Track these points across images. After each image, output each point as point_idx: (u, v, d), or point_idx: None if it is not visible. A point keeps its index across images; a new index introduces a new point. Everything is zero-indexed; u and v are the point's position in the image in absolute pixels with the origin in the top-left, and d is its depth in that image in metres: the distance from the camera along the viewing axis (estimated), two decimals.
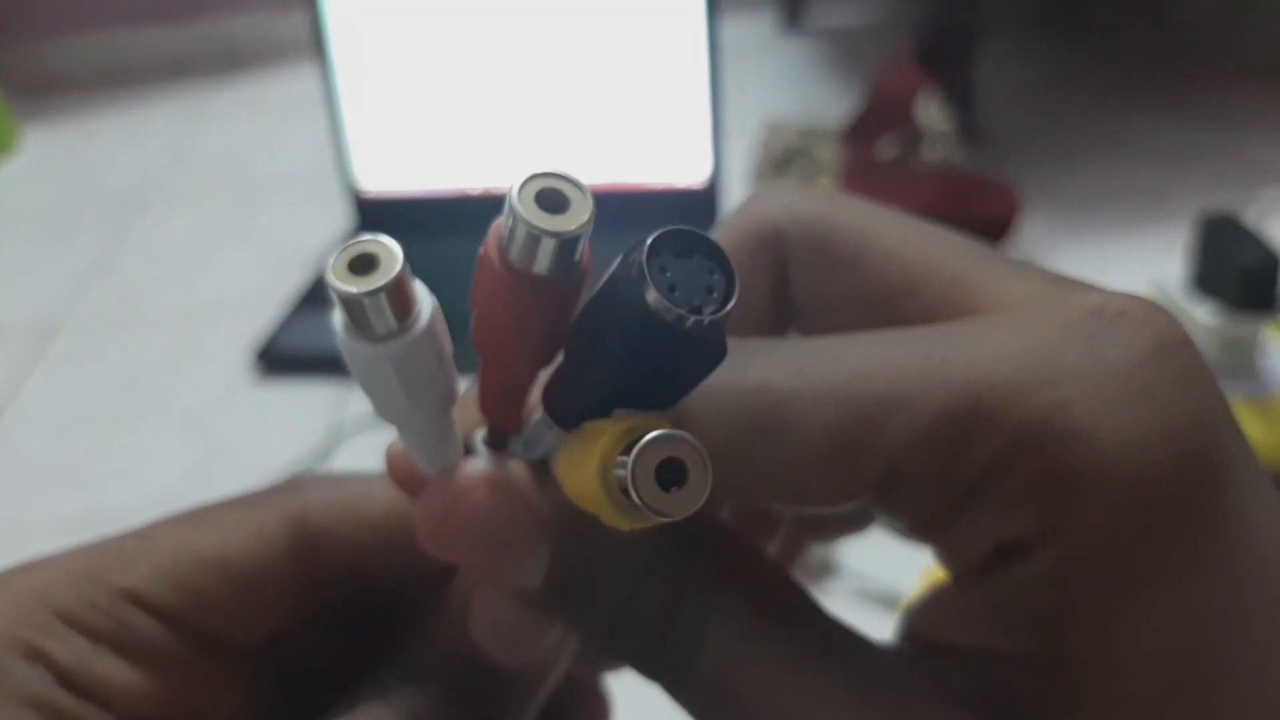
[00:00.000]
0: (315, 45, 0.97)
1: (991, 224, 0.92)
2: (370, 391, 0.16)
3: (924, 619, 0.16)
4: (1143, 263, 0.85)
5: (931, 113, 0.99)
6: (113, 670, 0.17)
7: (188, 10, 1.60)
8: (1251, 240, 0.64)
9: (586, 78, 0.96)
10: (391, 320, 0.15)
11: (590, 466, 0.13)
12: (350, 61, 0.97)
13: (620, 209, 0.99)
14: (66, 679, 0.16)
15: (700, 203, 0.98)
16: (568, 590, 0.17)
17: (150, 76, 1.58)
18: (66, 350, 0.94)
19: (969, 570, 0.14)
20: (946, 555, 0.15)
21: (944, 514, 0.14)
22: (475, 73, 0.96)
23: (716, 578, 0.16)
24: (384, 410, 0.16)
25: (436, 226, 1.02)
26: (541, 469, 0.17)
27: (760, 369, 0.15)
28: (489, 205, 1.01)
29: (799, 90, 1.35)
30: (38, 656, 0.16)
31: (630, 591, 0.16)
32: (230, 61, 1.60)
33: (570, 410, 0.16)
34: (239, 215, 1.15)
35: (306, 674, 0.20)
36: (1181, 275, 0.68)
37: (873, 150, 1.01)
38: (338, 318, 0.15)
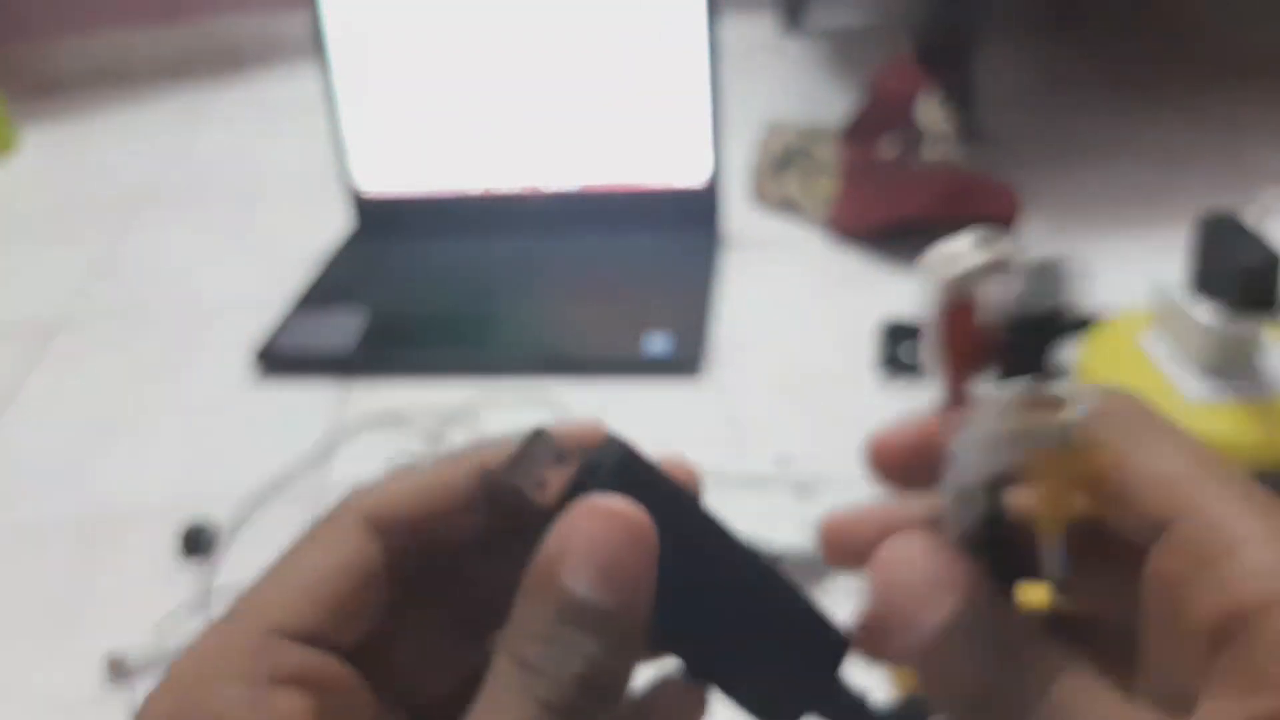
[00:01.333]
0: (315, 46, 0.97)
1: (991, 224, 0.92)
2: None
3: None
4: (1143, 263, 0.85)
5: (931, 113, 0.98)
6: (285, 702, 0.19)
7: (188, 10, 1.60)
8: (1251, 240, 0.64)
9: (587, 78, 0.96)
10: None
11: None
12: (350, 62, 0.97)
13: (620, 209, 0.99)
14: None
15: (700, 203, 0.98)
16: (946, 656, 0.20)
17: (150, 76, 1.58)
18: (66, 350, 0.94)
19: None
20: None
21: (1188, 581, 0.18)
22: (475, 74, 0.96)
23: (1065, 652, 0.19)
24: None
25: (436, 227, 1.02)
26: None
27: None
28: (488, 205, 1.01)
29: (799, 90, 1.35)
30: None
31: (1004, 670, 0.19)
32: (230, 62, 1.60)
33: None
34: (239, 215, 1.15)
35: (410, 667, 0.23)
36: (1181, 275, 0.68)
37: (873, 150, 1.01)
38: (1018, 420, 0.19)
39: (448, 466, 0.23)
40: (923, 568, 0.21)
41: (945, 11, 1.09)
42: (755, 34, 1.54)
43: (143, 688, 0.60)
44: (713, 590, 0.22)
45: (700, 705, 0.23)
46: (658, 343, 0.84)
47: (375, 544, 0.21)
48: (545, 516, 0.21)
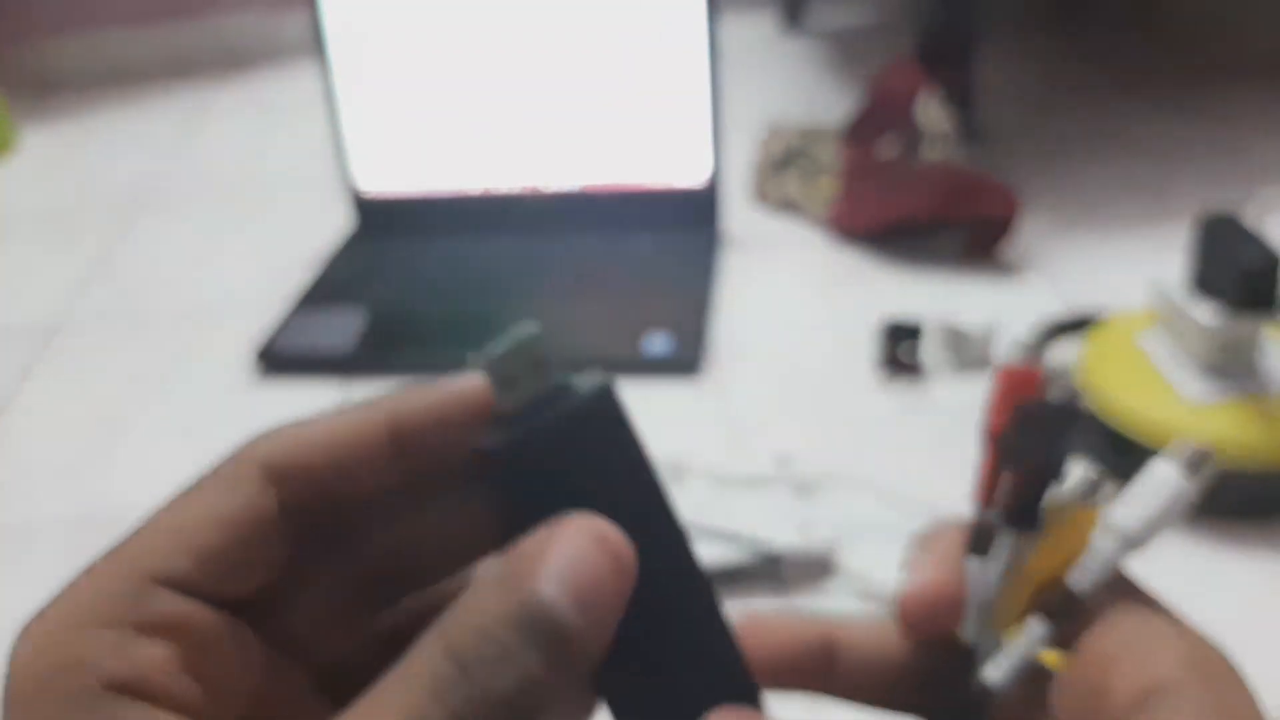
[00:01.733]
0: (315, 46, 0.97)
1: (991, 224, 0.92)
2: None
3: None
4: (1142, 263, 0.85)
5: (931, 113, 0.99)
6: (149, 651, 0.18)
7: (188, 10, 1.60)
8: (1251, 240, 0.64)
9: (586, 78, 0.96)
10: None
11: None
12: (350, 62, 0.97)
13: (620, 209, 0.99)
14: (113, 683, 0.18)
15: (700, 203, 0.98)
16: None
17: (150, 76, 1.58)
18: (66, 350, 0.94)
19: None
20: None
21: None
22: (475, 73, 0.96)
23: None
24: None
25: (436, 227, 1.02)
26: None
27: None
28: (488, 205, 1.01)
29: (799, 90, 1.35)
30: (80, 667, 0.18)
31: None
32: (230, 61, 1.60)
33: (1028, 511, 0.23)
34: (239, 215, 1.15)
35: (313, 636, 0.22)
36: (1181, 275, 0.68)
37: (873, 150, 1.01)
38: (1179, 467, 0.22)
39: (357, 415, 0.21)
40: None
41: (945, 11, 1.09)
42: (755, 34, 1.54)
43: None
44: (652, 604, 0.20)
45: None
46: (657, 343, 0.84)
47: (270, 493, 0.20)
48: (469, 470, 0.20)
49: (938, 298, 0.87)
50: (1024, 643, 0.22)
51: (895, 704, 0.24)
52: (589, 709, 0.22)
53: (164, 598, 0.19)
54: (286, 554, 0.21)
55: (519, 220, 1.00)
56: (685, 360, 0.82)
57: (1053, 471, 0.22)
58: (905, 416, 0.75)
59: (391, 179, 1.01)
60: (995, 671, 0.22)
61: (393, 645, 0.20)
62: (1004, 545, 0.23)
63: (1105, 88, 1.26)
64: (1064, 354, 0.77)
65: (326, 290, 0.95)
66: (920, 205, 0.92)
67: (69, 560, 0.69)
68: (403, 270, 0.97)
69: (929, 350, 0.80)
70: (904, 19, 1.46)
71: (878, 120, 1.02)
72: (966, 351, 0.79)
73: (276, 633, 0.21)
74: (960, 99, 1.04)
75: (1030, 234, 0.95)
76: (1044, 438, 0.22)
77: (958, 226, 0.93)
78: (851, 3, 1.62)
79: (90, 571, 0.19)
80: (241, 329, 0.91)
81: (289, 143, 1.30)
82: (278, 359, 0.87)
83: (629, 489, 0.21)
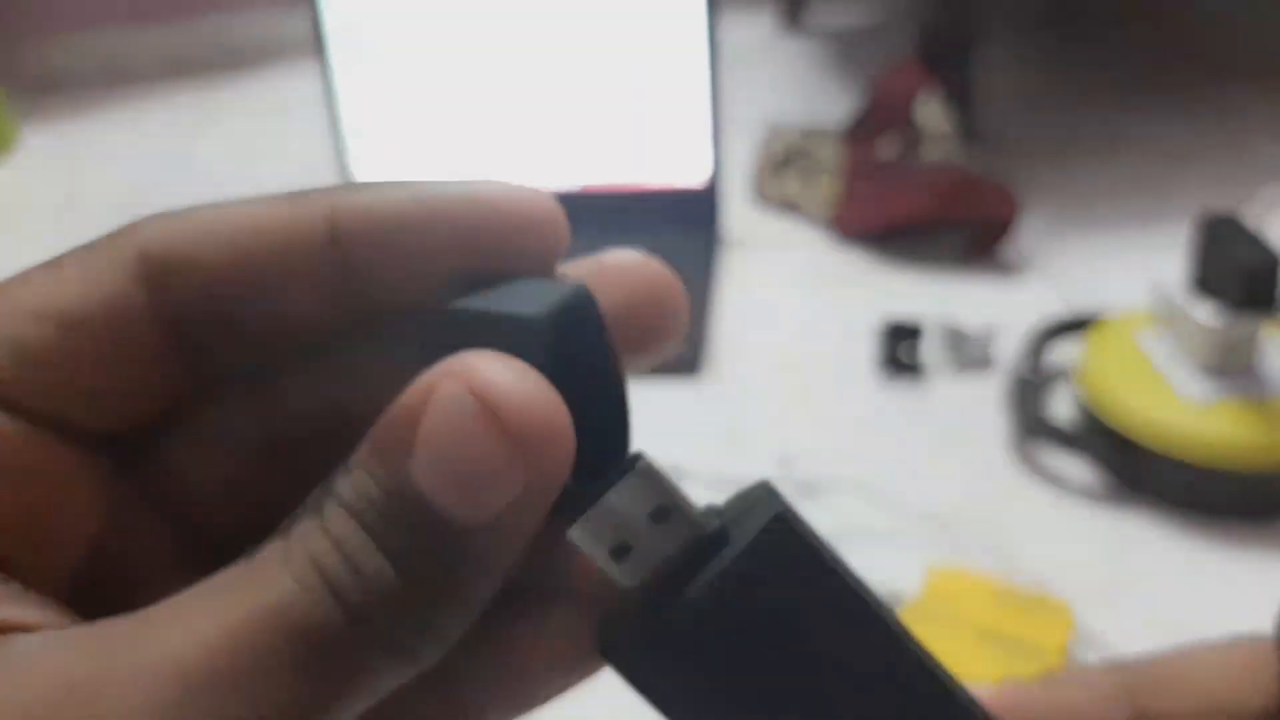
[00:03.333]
0: (315, 45, 0.97)
1: (991, 224, 0.92)
2: None
3: None
4: (1142, 262, 0.85)
5: (931, 113, 0.99)
6: None
7: (188, 10, 1.60)
8: (1251, 240, 0.64)
9: (586, 78, 0.96)
10: None
11: None
12: (350, 62, 0.97)
13: (620, 209, 0.99)
14: None
15: (700, 203, 0.98)
16: None
17: (150, 76, 1.58)
18: None
19: None
20: None
21: None
22: (475, 73, 0.96)
23: None
24: None
25: None
26: None
27: None
28: None
29: (799, 90, 1.35)
30: None
31: None
32: (230, 61, 1.60)
33: None
34: None
35: (195, 497, 0.17)
36: (1181, 275, 0.68)
37: (873, 150, 1.01)
38: None
39: (286, 205, 0.15)
40: None
41: (945, 11, 1.09)
42: (755, 34, 1.54)
43: None
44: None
45: (587, 660, 0.17)
46: None
47: (144, 292, 0.15)
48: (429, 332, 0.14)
49: (938, 298, 0.87)
50: None
51: None
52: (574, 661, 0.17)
53: None
54: (162, 378, 0.15)
55: None
56: (685, 360, 0.82)
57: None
58: (905, 416, 0.75)
59: (391, 179, 1.01)
60: None
61: (273, 492, 0.16)
62: None
63: (1105, 88, 1.26)
64: (1064, 354, 0.77)
65: None
66: (920, 205, 0.92)
67: None
68: None
69: (929, 350, 0.80)
70: (904, 19, 1.46)
71: (878, 120, 1.02)
72: (966, 351, 0.79)
73: (139, 476, 0.16)
74: (960, 99, 1.04)
75: (1030, 234, 0.95)
76: None
77: (958, 226, 0.93)
78: (851, 3, 1.62)
79: None
80: None
81: (289, 142, 1.30)
82: None
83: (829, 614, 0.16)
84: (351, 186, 0.15)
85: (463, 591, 0.14)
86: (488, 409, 0.13)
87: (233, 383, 0.16)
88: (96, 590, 0.15)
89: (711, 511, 0.16)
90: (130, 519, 0.16)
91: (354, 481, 0.14)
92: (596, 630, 0.16)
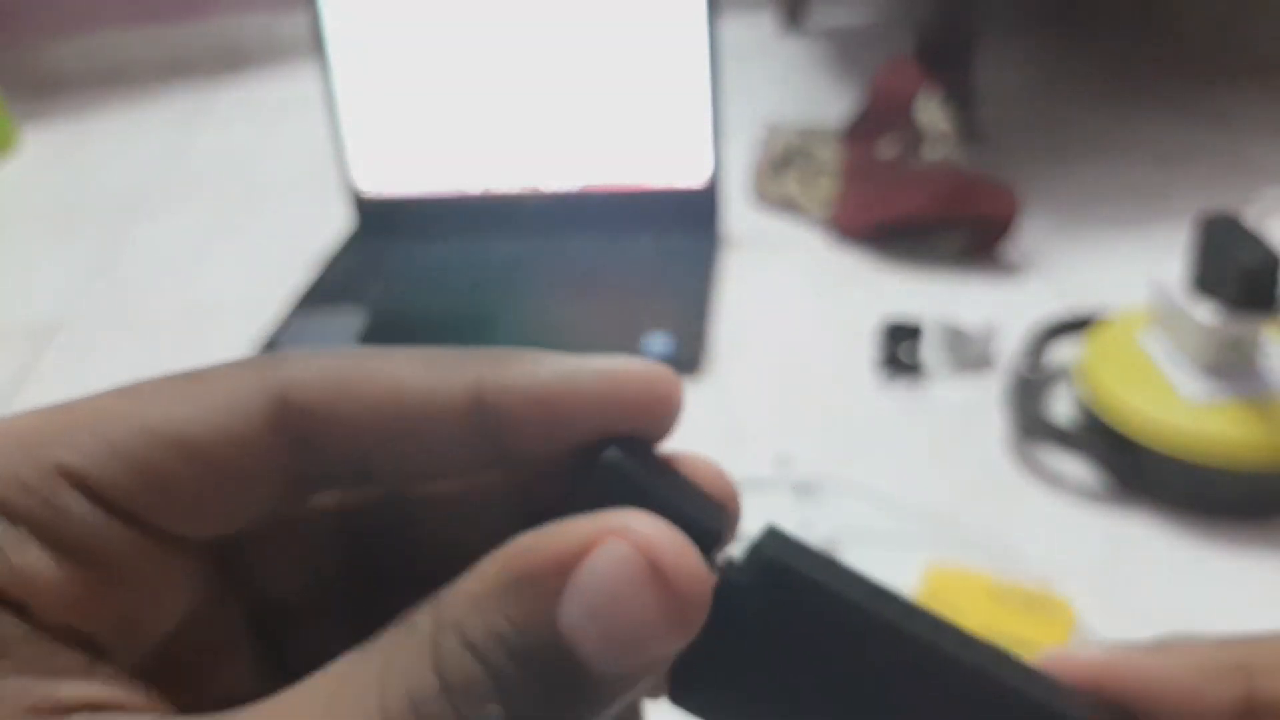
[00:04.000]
0: (315, 46, 0.97)
1: (991, 224, 0.92)
2: None
3: None
4: (1142, 263, 0.85)
5: (931, 113, 0.99)
6: (35, 563, 0.14)
7: (188, 10, 1.60)
8: (1251, 240, 0.64)
9: (586, 78, 0.96)
10: None
11: None
12: (350, 62, 0.97)
13: (620, 209, 0.99)
14: None
15: (700, 203, 0.98)
16: None
17: (150, 76, 1.58)
18: (66, 350, 0.94)
19: None
20: None
21: None
22: (475, 73, 0.96)
23: None
24: None
25: (436, 228, 1.02)
26: None
27: None
28: (488, 206, 1.01)
29: (799, 90, 1.35)
30: None
31: None
32: (230, 62, 1.60)
33: None
34: (239, 215, 1.15)
35: (285, 609, 0.17)
36: (1181, 275, 0.68)
37: (873, 150, 1.01)
38: None
39: (428, 369, 0.16)
40: None
41: (945, 11, 1.09)
42: (755, 34, 1.54)
43: None
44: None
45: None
46: (657, 343, 0.84)
47: (273, 436, 0.15)
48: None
49: (938, 298, 0.87)
50: None
51: None
52: None
53: (76, 502, 0.14)
54: (271, 501, 0.16)
55: (519, 220, 1.00)
56: (685, 360, 0.82)
57: None
58: (905, 416, 0.75)
59: (391, 179, 1.01)
60: None
61: (352, 594, 0.17)
62: None
63: (1105, 88, 1.26)
64: (1064, 354, 0.77)
65: (326, 290, 0.95)
66: (920, 205, 0.92)
67: None
68: (403, 270, 0.97)
69: (929, 350, 0.80)
70: (904, 19, 1.46)
71: (878, 120, 1.02)
72: (966, 351, 0.79)
73: (225, 567, 0.17)
74: (960, 99, 1.04)
75: (1030, 234, 0.95)
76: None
77: (958, 226, 0.93)
78: (851, 3, 1.62)
79: (9, 422, 0.15)
80: (241, 329, 0.91)
81: (289, 143, 1.30)
82: None
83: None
84: (493, 358, 0.16)
85: None
86: (657, 571, 0.13)
87: (323, 485, 0.17)
88: (171, 673, 0.16)
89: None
90: (215, 613, 0.16)
91: (484, 618, 0.14)
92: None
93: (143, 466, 0.15)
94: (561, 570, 0.14)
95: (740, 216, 1.02)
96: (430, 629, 0.14)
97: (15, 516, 0.14)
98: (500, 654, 0.13)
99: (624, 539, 0.14)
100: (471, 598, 0.14)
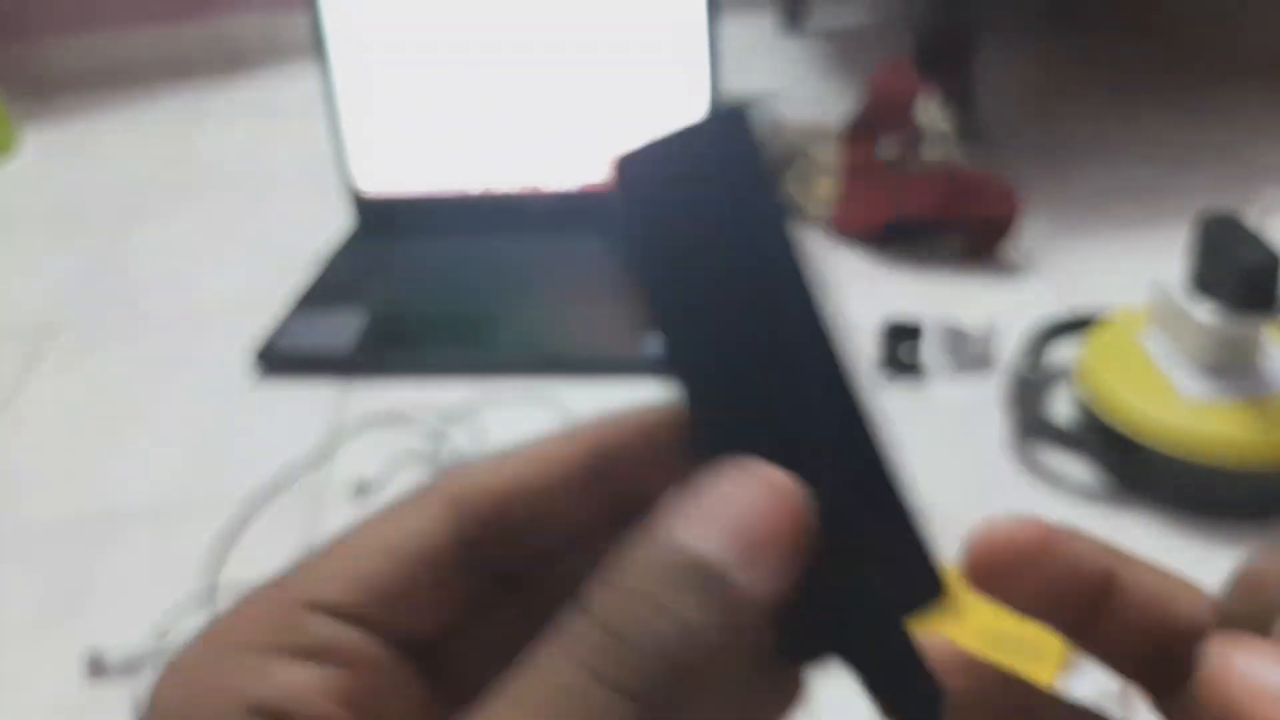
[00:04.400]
0: (315, 46, 0.97)
1: (991, 224, 0.92)
2: None
3: None
4: (1143, 263, 0.85)
5: (931, 113, 0.98)
6: (296, 674, 0.17)
7: (188, 11, 1.60)
8: (1251, 240, 0.64)
9: (587, 79, 0.96)
10: None
11: None
12: (350, 62, 0.97)
13: None
14: (259, 707, 0.17)
15: None
16: None
17: (150, 76, 1.58)
18: (67, 350, 0.94)
19: None
20: None
21: None
22: (475, 74, 0.96)
23: None
24: None
25: (436, 227, 1.02)
26: None
27: None
28: (489, 205, 1.01)
29: (799, 90, 1.35)
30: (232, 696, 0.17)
31: None
32: (230, 62, 1.60)
33: None
34: (239, 215, 1.15)
35: (479, 674, 0.20)
36: (1181, 275, 0.68)
37: (873, 150, 1.01)
38: None
39: (555, 443, 0.20)
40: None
41: (945, 11, 1.09)
42: (755, 34, 1.54)
43: (123, 686, 0.60)
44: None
45: (796, 689, 0.19)
46: (658, 343, 0.84)
47: (452, 526, 0.19)
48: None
49: (938, 298, 0.87)
50: None
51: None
52: (786, 691, 0.19)
53: (322, 624, 0.18)
54: (465, 592, 0.19)
55: (519, 220, 1.00)
56: None
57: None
58: (905, 416, 0.75)
59: (391, 179, 1.01)
60: None
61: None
62: None
63: (1105, 88, 1.26)
64: (1064, 354, 0.77)
65: (326, 290, 0.95)
66: (920, 205, 0.92)
67: (69, 559, 0.69)
68: (402, 270, 0.97)
69: (929, 350, 0.80)
70: (904, 19, 1.46)
71: (878, 120, 1.02)
72: (966, 351, 0.79)
73: (444, 673, 0.19)
74: (960, 99, 1.04)
75: (1030, 234, 0.95)
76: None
77: (958, 226, 0.93)
78: (851, 3, 1.62)
79: (248, 597, 0.18)
80: (241, 329, 0.91)
81: (289, 143, 1.30)
82: (277, 359, 0.87)
83: (759, 223, 0.18)
84: (599, 425, 0.20)
85: (736, 648, 0.16)
86: (761, 475, 0.16)
87: (511, 579, 0.20)
88: None
89: None
90: (431, 707, 0.19)
91: (624, 561, 0.16)
92: None
93: (373, 580, 0.18)
94: (682, 507, 0.16)
95: None
96: (576, 605, 0.16)
97: (276, 649, 0.17)
98: (649, 581, 0.15)
99: (725, 470, 0.16)
100: (602, 566, 0.16)
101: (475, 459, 0.20)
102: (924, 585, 0.18)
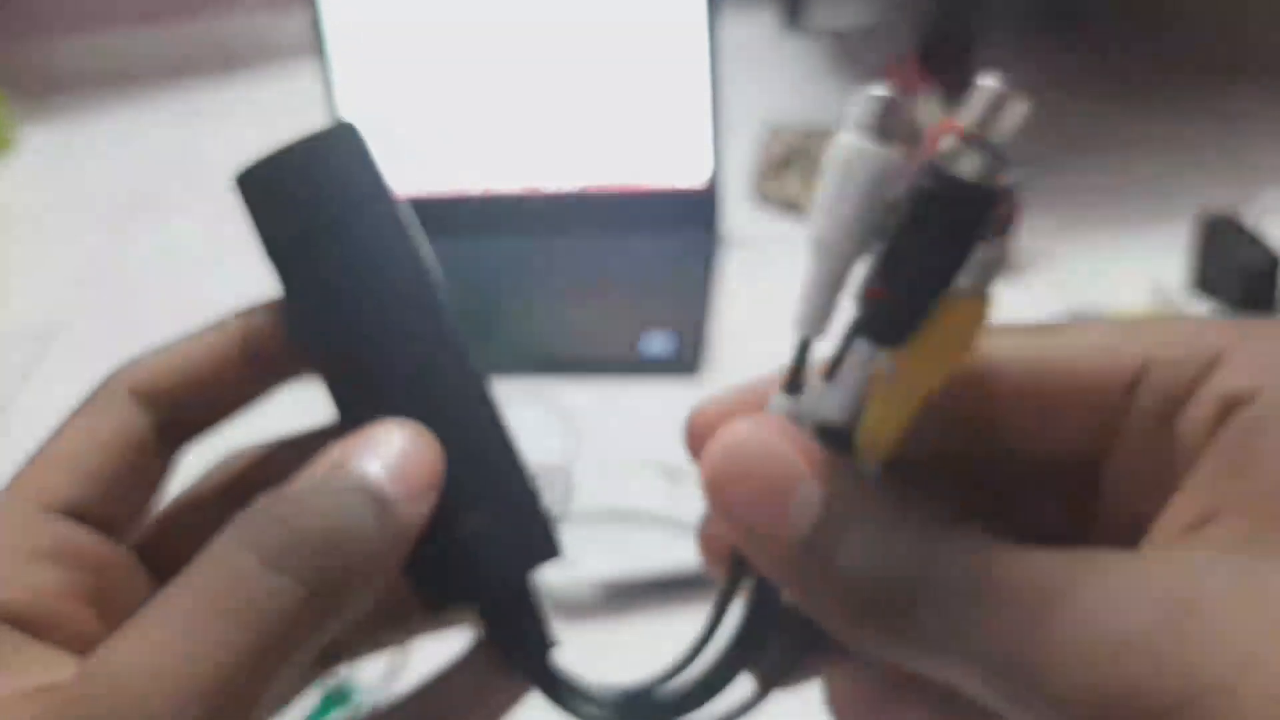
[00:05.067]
0: (315, 46, 0.97)
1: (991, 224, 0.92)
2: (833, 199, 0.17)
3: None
4: (1143, 263, 0.85)
5: (931, 113, 0.98)
6: (38, 576, 0.18)
7: (187, 11, 1.60)
8: (1251, 240, 0.64)
9: (586, 79, 0.96)
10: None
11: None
12: (349, 62, 0.97)
13: (620, 209, 0.99)
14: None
15: (700, 203, 0.98)
16: (831, 536, 0.16)
17: (150, 77, 1.58)
18: (67, 351, 0.94)
19: (1200, 434, 0.16)
20: (1173, 438, 0.17)
21: (1181, 391, 0.17)
22: (475, 74, 0.96)
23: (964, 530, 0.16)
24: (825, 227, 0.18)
25: (436, 227, 1.02)
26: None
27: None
28: (488, 206, 1.01)
29: (799, 90, 1.35)
30: None
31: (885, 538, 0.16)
32: (230, 62, 1.60)
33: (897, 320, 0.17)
34: (239, 215, 1.15)
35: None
36: (1181, 275, 0.68)
37: None
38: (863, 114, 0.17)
39: (212, 334, 0.22)
40: (773, 449, 0.17)
41: (945, 11, 1.09)
42: (755, 34, 1.54)
43: None
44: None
45: (512, 692, 0.20)
46: (657, 342, 0.84)
47: (142, 415, 0.20)
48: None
49: None
50: (849, 365, 0.17)
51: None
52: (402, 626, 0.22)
53: (56, 524, 0.19)
54: (161, 477, 0.21)
55: (519, 220, 1.00)
56: (685, 360, 0.82)
57: (944, 275, 0.17)
58: None
59: (391, 179, 1.01)
60: (830, 405, 0.17)
61: None
62: (858, 363, 0.17)
63: (1105, 87, 1.26)
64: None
65: None
66: None
67: None
68: None
69: None
70: (904, 19, 1.46)
71: None
72: None
73: (158, 560, 0.21)
74: (960, 99, 1.04)
75: (1030, 234, 0.95)
76: (943, 228, 0.17)
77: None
78: (851, 3, 1.62)
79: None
80: None
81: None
82: None
83: (374, 222, 0.20)
84: (248, 314, 0.22)
85: (384, 558, 0.18)
86: (410, 426, 0.19)
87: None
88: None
89: None
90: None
91: (291, 482, 0.18)
92: None
93: (89, 473, 0.20)
94: (347, 445, 0.19)
95: (740, 216, 1.02)
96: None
97: (17, 554, 0.18)
98: (311, 489, 0.18)
99: (383, 424, 0.19)
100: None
101: (139, 354, 0.22)
102: (540, 544, 0.20)
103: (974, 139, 0.16)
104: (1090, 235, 0.96)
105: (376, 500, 0.17)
